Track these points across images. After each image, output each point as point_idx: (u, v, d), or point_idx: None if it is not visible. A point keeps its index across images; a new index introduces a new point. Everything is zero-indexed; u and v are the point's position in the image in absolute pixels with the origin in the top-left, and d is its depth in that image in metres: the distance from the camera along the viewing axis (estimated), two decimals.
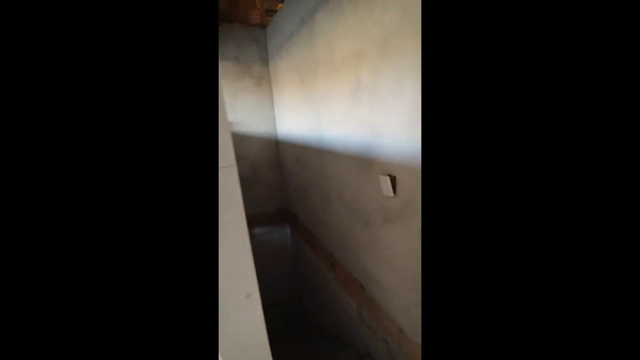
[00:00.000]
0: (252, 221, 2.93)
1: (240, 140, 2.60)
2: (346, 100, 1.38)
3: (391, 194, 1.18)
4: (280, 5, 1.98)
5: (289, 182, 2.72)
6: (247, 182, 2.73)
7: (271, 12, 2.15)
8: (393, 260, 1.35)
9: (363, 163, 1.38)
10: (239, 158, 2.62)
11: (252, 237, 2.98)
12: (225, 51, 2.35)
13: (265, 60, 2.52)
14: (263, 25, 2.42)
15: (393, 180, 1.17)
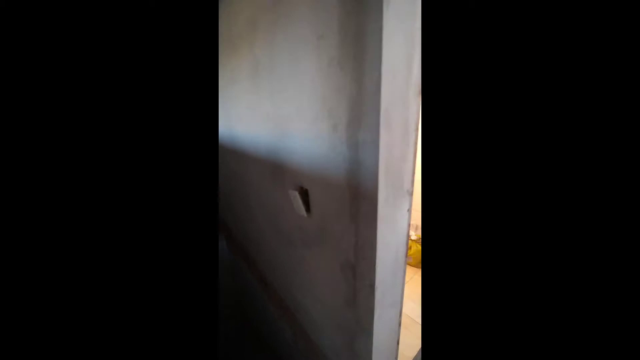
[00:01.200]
0: None
1: None
2: (248, 86, 1.04)
3: (304, 213, 0.88)
4: None
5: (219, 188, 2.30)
6: None
7: None
8: (316, 292, 1.06)
9: (274, 170, 1.06)
10: None
11: None
12: None
13: None
14: None
15: (305, 195, 0.87)
